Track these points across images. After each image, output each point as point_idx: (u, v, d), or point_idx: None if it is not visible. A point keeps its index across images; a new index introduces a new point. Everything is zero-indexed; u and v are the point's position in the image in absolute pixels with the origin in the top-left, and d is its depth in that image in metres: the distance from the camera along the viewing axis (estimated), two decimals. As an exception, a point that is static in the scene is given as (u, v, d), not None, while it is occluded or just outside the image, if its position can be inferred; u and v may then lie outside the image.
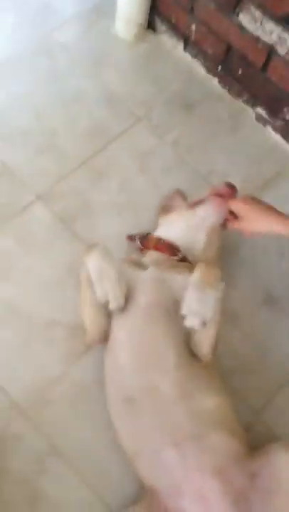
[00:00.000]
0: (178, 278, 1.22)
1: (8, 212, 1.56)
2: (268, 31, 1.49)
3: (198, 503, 1.06)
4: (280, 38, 1.47)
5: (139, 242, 1.41)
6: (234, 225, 1.33)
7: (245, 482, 1.06)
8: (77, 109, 1.74)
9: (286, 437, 1.32)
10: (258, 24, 1.50)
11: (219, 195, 1.36)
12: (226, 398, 1.19)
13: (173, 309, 1.18)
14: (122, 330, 1.21)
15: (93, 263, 1.21)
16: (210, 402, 1.14)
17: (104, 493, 1.24)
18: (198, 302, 1.14)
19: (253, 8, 1.48)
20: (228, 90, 1.80)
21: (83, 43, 1.87)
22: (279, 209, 1.27)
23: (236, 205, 1.31)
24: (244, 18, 1.53)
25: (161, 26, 1.87)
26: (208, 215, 1.33)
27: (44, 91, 1.77)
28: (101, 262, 1.20)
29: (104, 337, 1.24)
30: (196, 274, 1.17)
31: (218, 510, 1.04)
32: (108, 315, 1.23)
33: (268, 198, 1.62)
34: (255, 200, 1.30)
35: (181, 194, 1.57)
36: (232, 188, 1.40)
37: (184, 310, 1.15)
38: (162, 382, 1.13)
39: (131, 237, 1.47)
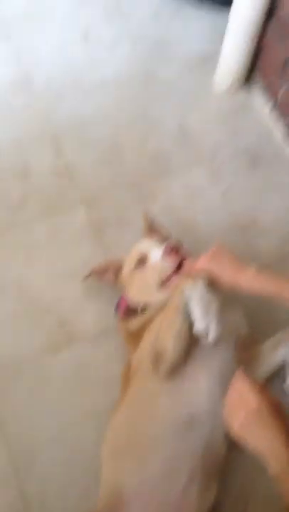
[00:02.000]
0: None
1: (53, 208, 1.71)
2: None
3: None
4: None
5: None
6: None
7: None
8: (150, 136, 1.88)
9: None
10: None
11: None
12: None
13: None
14: (204, 359, 1.22)
15: (200, 294, 1.17)
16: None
17: (24, 478, 1.27)
18: None
19: None
20: (300, 159, 1.82)
21: (180, 83, 2.02)
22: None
23: (202, 263, 1.27)
24: None
25: (256, 84, 1.96)
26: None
27: (127, 111, 1.94)
28: (207, 294, 1.18)
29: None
30: None
31: None
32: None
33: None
34: (221, 253, 1.27)
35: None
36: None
37: None
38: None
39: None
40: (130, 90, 2.00)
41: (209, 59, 2.06)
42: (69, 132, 1.87)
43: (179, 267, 1.31)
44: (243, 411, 0.96)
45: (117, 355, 1.43)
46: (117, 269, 1.45)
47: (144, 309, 1.36)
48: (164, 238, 1.44)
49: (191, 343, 1.18)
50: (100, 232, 1.66)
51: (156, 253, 1.34)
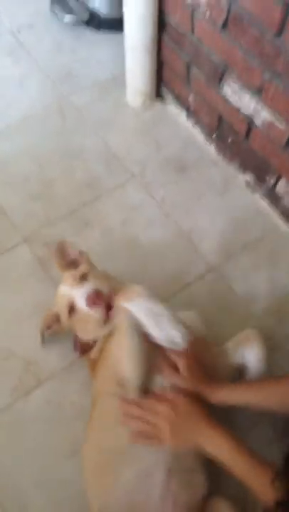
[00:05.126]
0: None
1: (-6, 250, 1.69)
2: (246, 103, 1.57)
3: None
4: (255, 109, 1.55)
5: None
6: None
7: None
8: (76, 164, 1.89)
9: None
10: (238, 96, 1.59)
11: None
12: None
13: None
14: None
15: (142, 306, 1.17)
16: None
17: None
18: None
19: (233, 82, 1.58)
20: (222, 157, 1.89)
21: (95, 108, 2.06)
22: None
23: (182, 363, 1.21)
24: (227, 91, 1.63)
25: (167, 96, 2.03)
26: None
27: (49, 145, 1.95)
28: (149, 303, 1.17)
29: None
30: None
31: None
32: None
33: (243, 263, 1.67)
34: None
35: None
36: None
37: None
38: None
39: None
40: (48, 123, 2.01)
41: (118, 79, 2.12)
42: (-6, 174, 1.87)
43: (109, 306, 1.25)
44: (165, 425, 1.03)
45: (87, 386, 1.41)
46: (57, 319, 1.41)
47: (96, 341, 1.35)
48: (80, 272, 1.34)
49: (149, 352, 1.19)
50: (47, 267, 1.65)
51: (80, 301, 1.26)
